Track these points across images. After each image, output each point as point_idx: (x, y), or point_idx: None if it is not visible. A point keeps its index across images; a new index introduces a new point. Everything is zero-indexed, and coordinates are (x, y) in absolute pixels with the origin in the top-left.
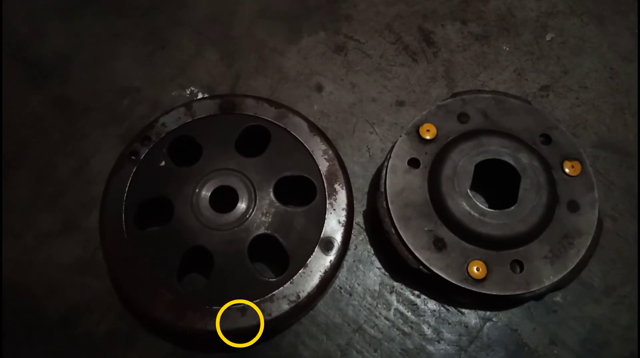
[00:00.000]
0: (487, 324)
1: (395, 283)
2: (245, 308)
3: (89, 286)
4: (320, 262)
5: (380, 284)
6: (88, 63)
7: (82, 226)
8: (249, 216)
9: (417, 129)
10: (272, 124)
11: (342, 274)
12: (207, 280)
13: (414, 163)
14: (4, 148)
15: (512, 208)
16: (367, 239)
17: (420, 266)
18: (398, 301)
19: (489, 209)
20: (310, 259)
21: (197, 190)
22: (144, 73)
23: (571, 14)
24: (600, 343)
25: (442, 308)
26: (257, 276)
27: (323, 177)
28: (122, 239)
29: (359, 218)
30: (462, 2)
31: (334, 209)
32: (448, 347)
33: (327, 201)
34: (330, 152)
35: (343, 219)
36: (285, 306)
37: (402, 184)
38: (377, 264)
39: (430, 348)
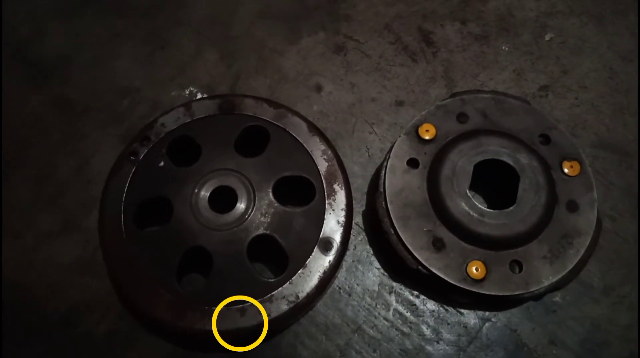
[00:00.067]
0: (486, 324)
1: (395, 284)
2: (245, 308)
3: (89, 286)
4: (320, 262)
5: (379, 284)
6: (88, 63)
7: (82, 226)
8: (248, 216)
9: (416, 129)
10: (271, 125)
11: (341, 274)
12: (206, 280)
13: (413, 163)
14: (4, 148)
15: (511, 208)
16: (366, 239)
17: (419, 267)
18: (397, 301)
19: (488, 210)
20: (309, 259)
21: (196, 190)
22: (144, 73)
23: (570, 14)
24: (599, 343)
25: (441, 308)
26: (256, 276)
27: (322, 177)
28: (121, 239)
29: (358, 218)
30: (461, 2)
31: (333, 210)
32: (447, 347)
33: (326, 202)
34: (330, 152)
35: (342, 219)
36: (284, 307)
37: (401, 184)
38: (376, 264)
39: (429, 348)
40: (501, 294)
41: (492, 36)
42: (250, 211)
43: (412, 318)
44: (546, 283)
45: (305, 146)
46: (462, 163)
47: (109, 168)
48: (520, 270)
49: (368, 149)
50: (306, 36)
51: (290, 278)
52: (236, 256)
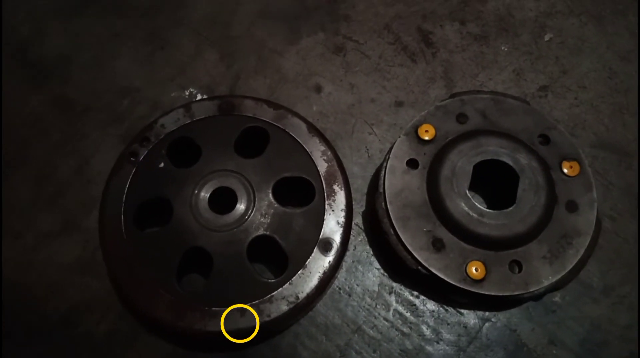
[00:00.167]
0: (486, 324)
1: (394, 284)
2: (245, 308)
3: (89, 287)
4: (319, 263)
5: (379, 285)
6: (88, 63)
7: (82, 226)
8: (248, 217)
9: (415, 129)
10: (271, 125)
11: (341, 275)
12: (206, 281)
13: (412, 163)
14: (4, 147)
15: (511, 208)
16: (366, 240)
17: (419, 267)
18: (397, 301)
19: (488, 210)
20: (309, 260)
21: (196, 191)
22: (144, 73)
23: (570, 14)
24: (599, 343)
25: (441, 308)
26: (256, 277)
27: (322, 178)
28: (121, 240)
29: (357, 219)
30: (460, 3)
31: (333, 210)
32: (447, 348)
33: (326, 202)
34: (329, 153)
35: (342, 220)
36: (284, 307)
37: (401, 185)
38: (376, 265)
39: (429, 348)
40: (501, 294)
41: (491, 36)
42: (250, 212)
43: (412, 318)
44: (546, 283)
45: (304, 146)
46: (461, 163)
47: (109, 168)
48: (520, 270)
49: (368, 149)
50: (306, 36)
51: (290, 279)
52: (236, 257)
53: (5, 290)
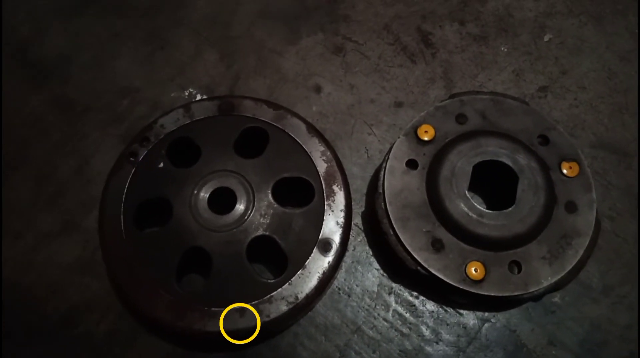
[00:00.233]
0: (486, 325)
1: (394, 284)
2: (244, 308)
3: (88, 286)
4: (319, 263)
5: (378, 285)
6: (88, 63)
7: (81, 226)
8: (248, 217)
9: (415, 130)
10: (270, 126)
11: (341, 275)
12: (205, 281)
13: (412, 164)
14: (4, 147)
15: (510, 209)
16: (366, 240)
17: (419, 267)
18: (396, 302)
19: (487, 211)
20: (308, 260)
21: (196, 191)
22: (144, 73)
23: (569, 14)
24: (599, 343)
25: (440, 309)
26: (256, 277)
27: (321, 178)
28: (121, 240)
29: (357, 219)
30: (460, 3)
31: (332, 211)
32: (446, 348)
33: (326, 203)
34: (329, 153)
35: (341, 220)
36: (283, 308)
37: (401, 185)
38: (376, 265)
39: (428, 349)
40: (500, 295)
41: (491, 37)
42: (249, 212)
43: (411, 318)
44: (545, 283)
45: (304, 147)
46: (461, 163)
47: (108, 168)
48: (520, 271)
49: (367, 150)
50: (305, 37)
51: (290, 279)
52: (235, 257)
53: (5, 290)
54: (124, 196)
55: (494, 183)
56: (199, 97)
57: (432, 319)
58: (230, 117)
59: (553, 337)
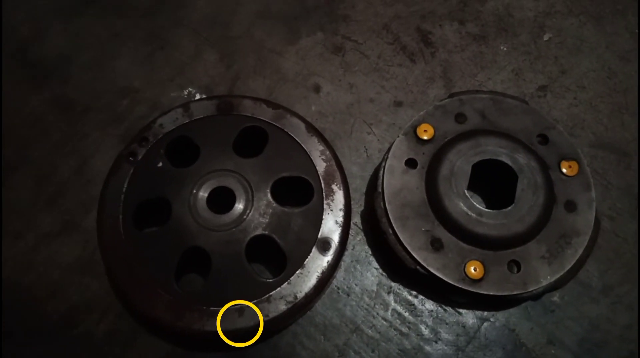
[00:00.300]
0: (485, 324)
1: (393, 284)
2: (243, 308)
3: (88, 286)
4: (318, 263)
5: (377, 284)
6: (88, 63)
7: (81, 225)
8: (247, 216)
9: (414, 129)
10: (269, 125)
11: (340, 274)
12: (204, 281)
13: (411, 163)
14: (4, 148)
15: (510, 208)
16: (365, 239)
17: (418, 267)
18: (396, 301)
19: (486, 210)
20: (307, 259)
21: (195, 191)
22: (144, 73)
23: (569, 13)
24: (598, 342)
25: (439, 308)
26: (255, 276)
27: (320, 177)
28: (120, 240)
29: (356, 219)
30: (460, 3)
31: (332, 210)
32: (446, 347)
33: (325, 202)
34: (328, 152)
35: (340, 219)
36: (282, 307)
37: (400, 184)
38: (375, 264)
39: (427, 348)
40: (499, 294)
41: (490, 36)
42: (248, 211)
43: (410, 318)
44: (544, 283)
45: (303, 146)
46: (460, 163)
47: (108, 168)
48: (519, 270)
49: (366, 149)
50: (305, 37)
51: (289, 279)
52: (234, 257)
53: (5, 290)
54: (123, 196)
55: (493, 182)
56: (198, 97)
57: (431, 318)
58: (229, 116)
59: (552, 336)
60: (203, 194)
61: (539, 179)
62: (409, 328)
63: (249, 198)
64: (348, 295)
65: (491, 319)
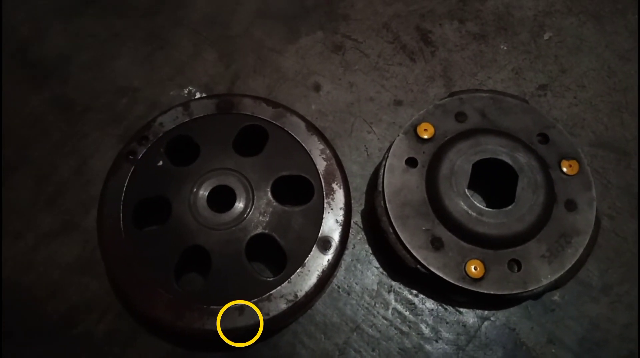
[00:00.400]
0: (485, 323)
1: (393, 283)
2: (243, 307)
3: (88, 286)
4: (318, 261)
5: (378, 283)
6: (88, 63)
7: (81, 225)
8: (247, 215)
9: (414, 128)
10: (269, 124)
11: (340, 273)
12: (204, 280)
13: (411, 162)
14: (4, 148)
15: (510, 207)
16: (365, 238)
17: (418, 266)
18: (396, 300)
19: (487, 209)
20: (308, 258)
21: (195, 190)
22: (143, 73)
23: (569, 13)
24: (598, 342)
25: (440, 307)
26: (255, 275)
27: (321, 176)
28: (119, 239)
29: (356, 218)
30: (459, 2)
31: (332, 209)
32: (446, 346)
33: (325, 201)
34: (328, 151)
35: (341, 218)
36: (283, 306)
37: (400, 183)
38: (375, 263)
39: (428, 347)
40: (500, 293)
41: (490, 35)
42: (248, 210)
43: (411, 317)
44: (545, 282)
45: (303, 145)
46: (460, 162)
47: (107, 168)
48: (519, 269)
49: (367, 148)
50: (305, 36)
51: (289, 277)
52: (235, 256)
53: (5, 290)
54: (122, 194)
55: (493, 181)
56: (198, 96)
57: (432, 317)
58: (229, 115)
59: (552, 335)
60: (203, 193)
61: (539, 178)
62: (410, 327)
63: (249, 196)
64: (348, 294)
65: (491, 318)
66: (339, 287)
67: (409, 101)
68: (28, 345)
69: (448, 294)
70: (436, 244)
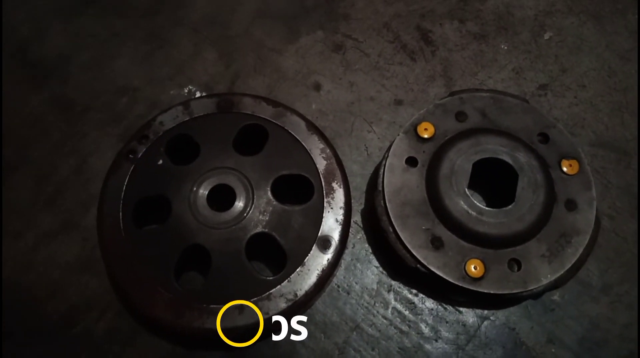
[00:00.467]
0: (485, 323)
1: (393, 282)
2: (243, 306)
3: (88, 285)
4: (318, 261)
5: (378, 283)
6: (88, 63)
7: (81, 224)
8: (247, 214)
9: (415, 127)
10: (269, 123)
11: (340, 273)
12: (204, 279)
13: (411, 161)
14: (4, 148)
15: (510, 206)
16: (365, 238)
17: (418, 265)
18: (396, 299)
19: (487, 208)
20: (307, 257)
21: (195, 189)
22: (143, 72)
23: (569, 12)
24: (598, 341)
25: (439, 306)
26: (255, 274)
27: (321, 176)
28: (119, 238)
29: (356, 217)
30: (460, 1)
31: (332, 208)
32: (446, 346)
33: (325, 200)
34: (328, 151)
35: (341, 218)
36: (282, 305)
37: (400, 183)
38: (375, 263)
39: (427, 346)
40: (500, 292)
41: (490, 35)
42: (248, 209)
43: (410, 316)
44: (545, 281)
45: (303, 144)
46: (460, 161)
47: (107, 167)
48: (519, 269)
49: (367, 147)
50: (305, 35)
51: (289, 277)
52: (234, 255)
53: (5, 290)
54: (122, 193)
55: (493, 180)
56: (198, 95)
57: (432, 317)
58: (230, 114)
59: (552, 335)
60: (203, 192)
61: (540, 178)
62: (409, 326)
63: (249, 195)
64: (348, 293)
65: (491, 318)
66: (338, 286)
67: (409, 101)
68: (28, 345)
69: (448, 293)
70: (436, 243)
